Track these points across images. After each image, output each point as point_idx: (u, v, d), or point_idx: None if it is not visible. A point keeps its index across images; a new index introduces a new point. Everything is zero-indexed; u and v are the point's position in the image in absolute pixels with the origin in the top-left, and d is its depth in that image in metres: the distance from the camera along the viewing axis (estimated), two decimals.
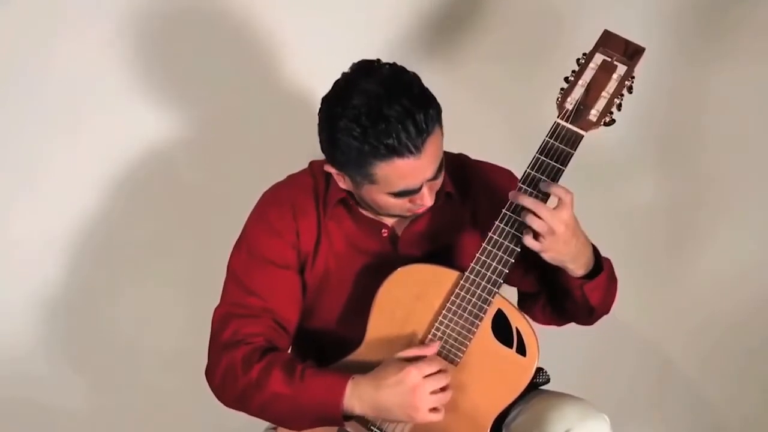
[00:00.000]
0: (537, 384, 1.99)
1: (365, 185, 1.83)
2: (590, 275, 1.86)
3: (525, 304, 2.06)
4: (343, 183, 1.88)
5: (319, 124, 1.82)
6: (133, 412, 2.61)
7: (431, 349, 1.82)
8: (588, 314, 1.94)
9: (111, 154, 2.48)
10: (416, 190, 1.82)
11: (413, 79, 1.79)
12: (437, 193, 1.91)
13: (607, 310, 1.96)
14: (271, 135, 2.49)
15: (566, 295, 1.90)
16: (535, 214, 1.76)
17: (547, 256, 1.80)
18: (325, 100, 1.82)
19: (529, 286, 2.02)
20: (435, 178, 1.83)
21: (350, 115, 1.75)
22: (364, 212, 1.94)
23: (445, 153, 1.95)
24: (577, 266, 1.84)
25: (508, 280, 1.86)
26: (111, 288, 2.56)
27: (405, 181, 1.80)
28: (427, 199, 1.84)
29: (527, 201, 1.77)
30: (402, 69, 1.80)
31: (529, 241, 1.78)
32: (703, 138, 2.53)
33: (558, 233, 1.76)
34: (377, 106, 1.73)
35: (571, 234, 1.78)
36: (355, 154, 1.77)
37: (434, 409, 1.79)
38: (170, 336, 2.58)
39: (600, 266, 1.87)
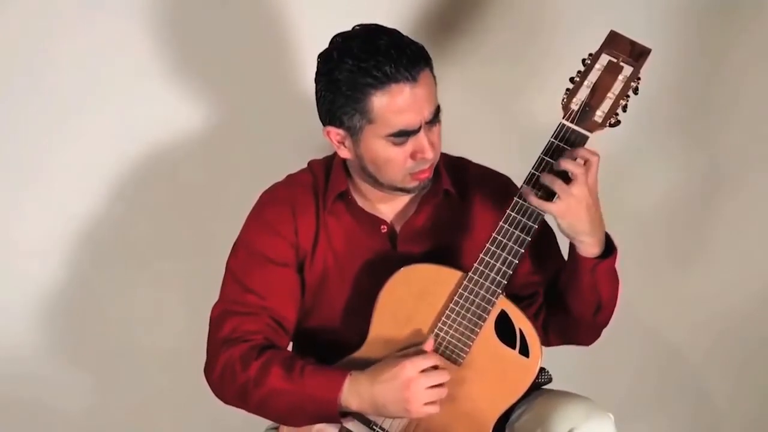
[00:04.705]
0: (539, 384, 1.99)
1: (365, 131, 1.82)
2: (602, 256, 1.84)
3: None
4: (344, 150, 1.88)
5: (316, 82, 1.85)
6: (132, 412, 2.60)
7: (427, 345, 1.82)
8: (594, 313, 1.91)
9: (111, 154, 2.47)
10: (415, 131, 1.81)
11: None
12: (436, 189, 1.93)
13: (609, 315, 1.93)
14: (272, 135, 2.49)
15: (574, 287, 1.88)
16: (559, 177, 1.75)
17: (565, 223, 1.78)
18: (321, 55, 1.85)
19: (532, 285, 1.99)
20: (433, 121, 1.82)
21: (345, 51, 1.79)
22: (363, 206, 1.94)
23: (446, 155, 1.96)
24: (593, 240, 1.81)
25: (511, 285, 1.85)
26: (111, 287, 2.55)
27: (403, 117, 1.79)
28: (428, 151, 1.82)
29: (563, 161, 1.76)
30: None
31: (547, 206, 1.76)
32: (706, 138, 2.53)
33: (581, 196, 1.75)
34: (370, 38, 1.79)
35: (593, 201, 1.77)
36: (352, 86, 1.78)
37: (430, 404, 1.79)
38: (170, 336, 2.57)
39: (610, 249, 1.86)
